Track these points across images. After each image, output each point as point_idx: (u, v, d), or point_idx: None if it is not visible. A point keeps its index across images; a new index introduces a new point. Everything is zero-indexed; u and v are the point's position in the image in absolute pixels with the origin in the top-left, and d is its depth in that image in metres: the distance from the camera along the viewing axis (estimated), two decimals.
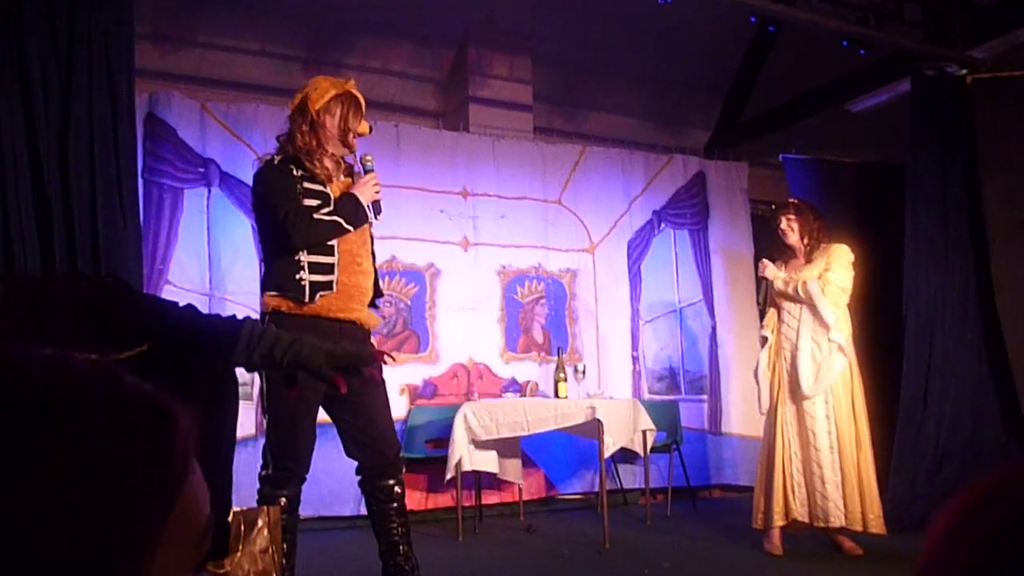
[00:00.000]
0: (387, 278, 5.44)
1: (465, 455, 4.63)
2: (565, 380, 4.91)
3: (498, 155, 5.96)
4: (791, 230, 4.21)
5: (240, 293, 5.02)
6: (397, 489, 3.00)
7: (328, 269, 2.88)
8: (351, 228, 2.91)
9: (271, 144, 5.17)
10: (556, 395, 4.89)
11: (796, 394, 4.10)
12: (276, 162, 2.91)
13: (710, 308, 6.47)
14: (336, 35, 5.87)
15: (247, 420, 4.93)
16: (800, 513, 4.04)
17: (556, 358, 5.11)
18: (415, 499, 5.25)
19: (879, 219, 5.66)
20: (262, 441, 4.78)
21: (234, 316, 2.37)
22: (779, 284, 4.19)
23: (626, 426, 4.68)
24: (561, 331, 6.04)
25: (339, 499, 5.06)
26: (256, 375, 2.98)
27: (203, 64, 5.58)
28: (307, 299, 2.82)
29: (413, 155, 5.60)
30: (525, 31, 6.20)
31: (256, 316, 4.92)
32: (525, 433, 4.69)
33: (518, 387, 5.74)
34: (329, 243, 2.88)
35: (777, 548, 4.06)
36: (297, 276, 2.82)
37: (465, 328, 5.63)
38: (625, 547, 4.36)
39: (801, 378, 4.05)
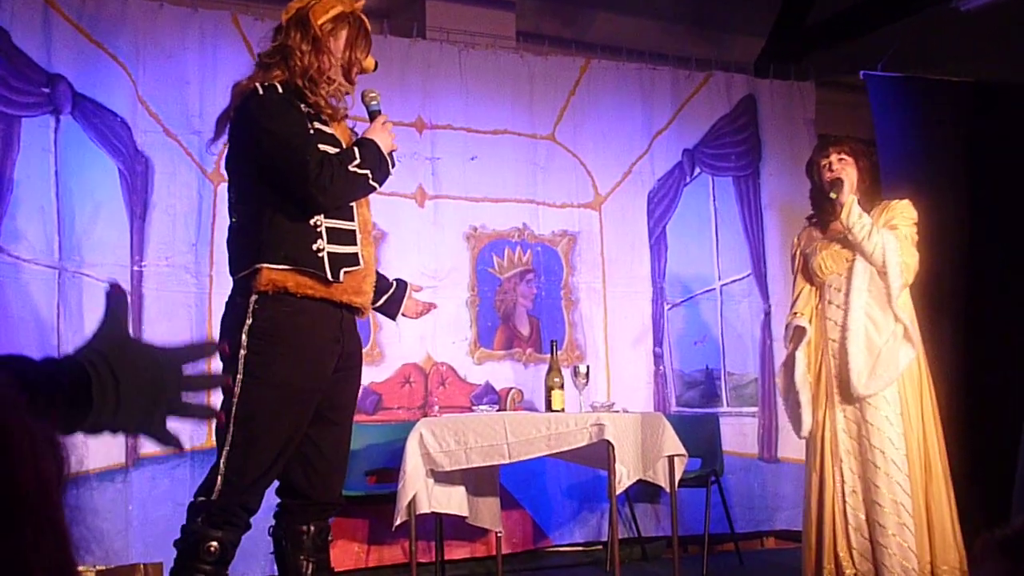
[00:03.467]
0: None
1: (422, 492, 4.63)
2: (561, 387, 4.90)
3: (467, 71, 5.92)
4: (842, 171, 4.18)
5: (103, 265, 4.97)
6: (330, 538, 3.17)
7: (350, 238, 3.07)
8: (377, 185, 3.09)
9: (146, 55, 5.25)
10: (549, 408, 4.88)
11: (847, 397, 4.11)
12: (280, 88, 3.01)
13: (762, 286, 6.48)
14: None
15: (114, 444, 4.89)
16: (859, 570, 4.06)
17: (549, 356, 5.10)
18: (350, 553, 5.23)
19: (999, 159, 5.66)
20: (133, 473, 4.86)
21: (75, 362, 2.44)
22: (853, 213, 4.06)
23: (646, 451, 4.68)
24: (555, 319, 6.03)
25: (246, 554, 5.04)
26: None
27: None
28: (330, 276, 2.97)
29: None
30: None
31: (127, 293, 4.92)
32: (505, 461, 4.68)
33: (495, 397, 5.73)
34: (351, 205, 3.07)
35: None
36: (314, 246, 2.97)
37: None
38: None
39: (851, 369, 4.05)
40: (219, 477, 2.94)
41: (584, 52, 6.38)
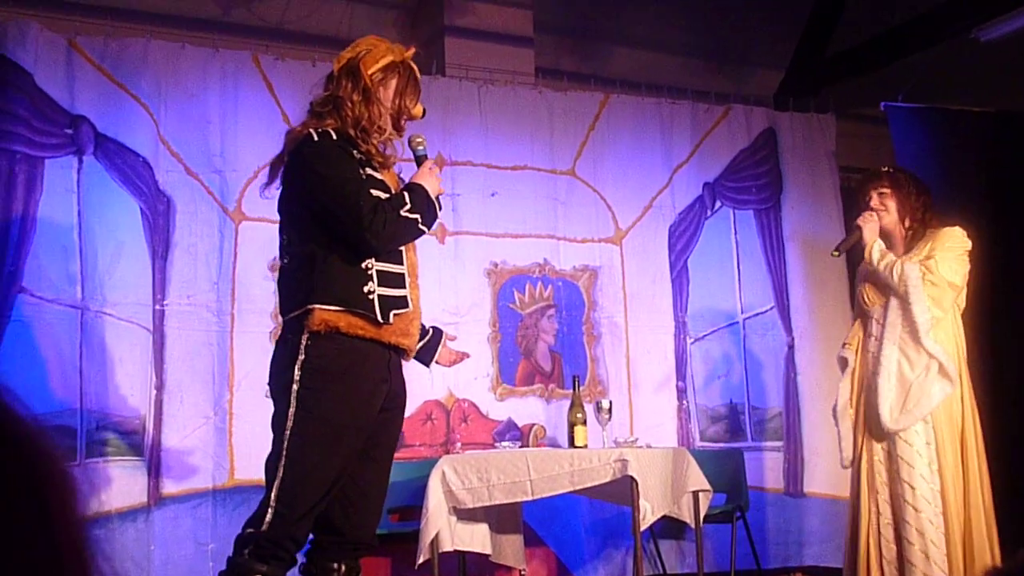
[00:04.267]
0: None
1: (445, 530, 4.61)
2: (584, 423, 4.88)
3: (486, 108, 5.95)
4: (884, 208, 4.21)
5: (126, 304, 4.99)
6: None
7: (399, 281, 3.16)
8: (426, 229, 3.18)
9: (168, 95, 5.29)
10: (572, 444, 4.86)
11: (879, 433, 4.10)
12: (334, 135, 3.09)
13: (785, 320, 6.44)
14: None
15: (136, 483, 4.90)
16: None
17: (571, 392, 5.08)
18: None
19: (1020, 190, 5.64)
20: (155, 512, 4.85)
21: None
22: (874, 253, 4.17)
23: (670, 486, 4.65)
24: (577, 354, 6.01)
25: None
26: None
27: None
28: (380, 318, 3.05)
29: None
30: None
31: (149, 334, 4.94)
32: (528, 498, 4.66)
33: (517, 433, 5.71)
34: (400, 248, 3.17)
35: None
36: (365, 288, 3.04)
37: None
38: None
39: (881, 404, 4.04)
40: (269, 509, 2.98)
41: (603, 87, 6.40)
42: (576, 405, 4.93)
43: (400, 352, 3.22)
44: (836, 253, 4.44)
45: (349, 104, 3.11)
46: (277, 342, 3.19)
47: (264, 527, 2.97)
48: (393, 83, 3.18)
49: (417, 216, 3.10)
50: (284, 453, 3.00)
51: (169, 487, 4.99)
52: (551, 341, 5.98)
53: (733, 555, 5.59)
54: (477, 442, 5.57)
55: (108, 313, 4.96)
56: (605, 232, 6.17)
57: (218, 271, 5.25)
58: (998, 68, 6.24)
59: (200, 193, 5.25)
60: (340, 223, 3.03)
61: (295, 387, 2.99)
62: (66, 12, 5.40)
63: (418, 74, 3.27)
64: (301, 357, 3.00)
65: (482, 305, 5.82)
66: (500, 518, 5.00)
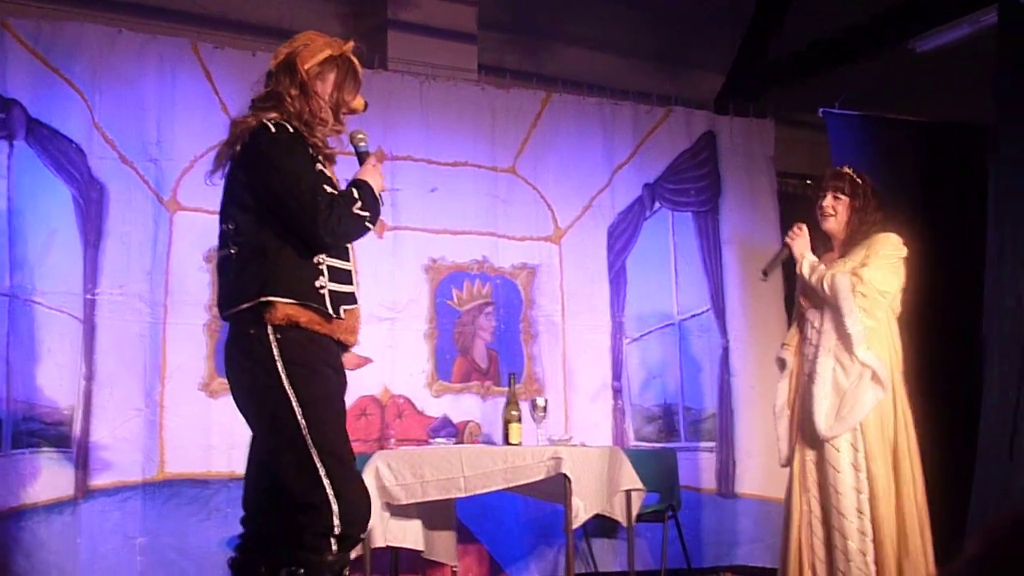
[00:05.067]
0: None
1: (378, 525, 4.60)
2: (519, 420, 4.89)
3: (427, 103, 5.92)
4: (833, 212, 4.24)
5: (55, 293, 4.92)
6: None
7: (347, 277, 3.14)
8: (371, 227, 3.17)
9: (103, 81, 5.21)
10: (506, 441, 4.87)
11: (813, 438, 4.15)
12: (291, 128, 3.07)
13: (721, 322, 6.50)
14: None
15: (63, 475, 4.82)
16: None
17: (507, 389, 5.09)
18: None
19: (952, 199, 5.74)
20: (83, 505, 4.77)
21: None
22: (804, 267, 4.23)
23: (603, 485, 4.67)
24: (514, 352, 6.02)
25: None
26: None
27: None
28: (333, 312, 3.03)
29: None
30: None
31: (79, 323, 4.86)
32: (462, 495, 4.67)
33: (453, 430, 5.70)
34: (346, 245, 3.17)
35: None
36: (317, 283, 3.03)
37: (378, 346, 5.57)
38: None
39: (816, 412, 4.09)
40: (332, 504, 2.90)
41: (545, 86, 6.41)
42: (512, 403, 4.93)
43: (343, 349, 3.20)
44: (764, 277, 4.49)
45: (288, 99, 3.08)
46: (234, 337, 3.08)
47: (336, 526, 2.90)
48: (331, 77, 3.15)
49: (367, 214, 3.10)
50: (310, 444, 2.92)
51: (97, 480, 4.92)
52: (488, 339, 5.98)
53: (664, 554, 5.64)
54: (412, 438, 5.55)
55: (37, 302, 4.88)
56: (544, 231, 6.18)
57: (152, 261, 5.17)
58: (933, 78, 6.35)
59: (135, 181, 5.18)
60: (295, 217, 3.00)
61: (285, 381, 2.94)
62: None
63: (358, 68, 3.25)
64: (276, 351, 2.95)
65: (419, 301, 5.80)
66: (433, 514, 5.00)
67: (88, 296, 5.01)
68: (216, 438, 5.13)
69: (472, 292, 5.96)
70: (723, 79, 6.96)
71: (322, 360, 3.05)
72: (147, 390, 5.09)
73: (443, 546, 5.12)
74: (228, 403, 4.97)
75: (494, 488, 4.62)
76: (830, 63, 6.42)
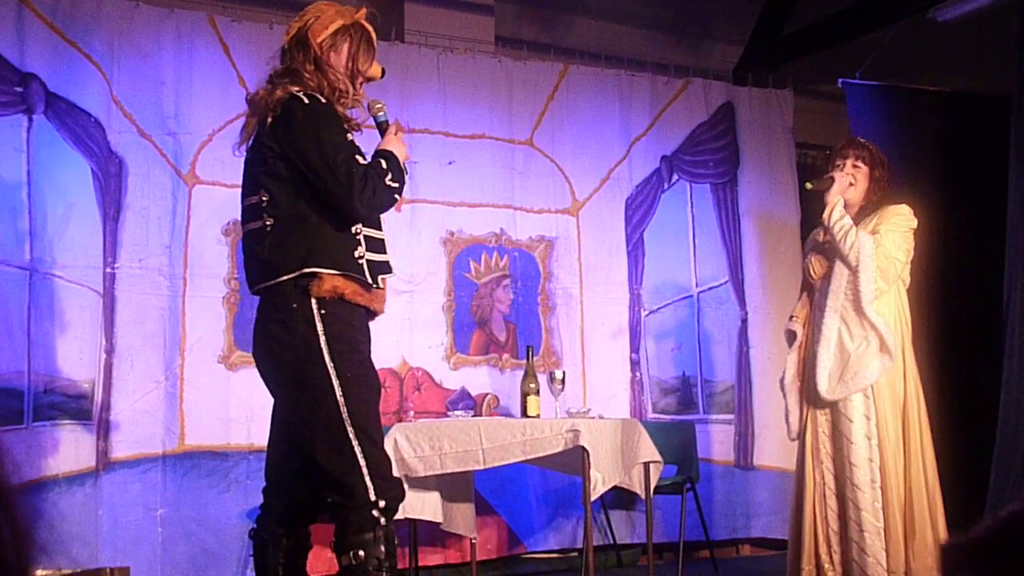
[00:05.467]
0: None
1: None
2: (537, 393, 4.90)
3: (445, 76, 5.91)
4: (854, 179, 4.22)
5: (75, 267, 4.94)
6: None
7: (382, 247, 3.16)
8: (399, 197, 3.16)
9: (121, 55, 5.21)
10: (524, 414, 4.88)
11: (822, 406, 4.15)
12: (321, 98, 3.06)
13: (739, 294, 6.49)
14: None
15: (84, 447, 4.86)
16: (838, 572, 4.09)
17: (525, 362, 5.10)
18: (323, 561, 5.19)
19: (974, 169, 5.71)
20: (104, 477, 4.81)
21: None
22: (834, 213, 4.14)
23: (621, 457, 4.68)
24: (532, 324, 6.02)
25: (217, 560, 5.02)
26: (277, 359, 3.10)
27: None
28: (372, 282, 3.06)
29: None
30: None
31: (99, 297, 4.88)
32: (480, 467, 4.67)
33: (471, 402, 5.72)
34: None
35: None
36: (356, 253, 3.05)
37: (396, 319, 5.57)
38: None
39: (818, 372, 4.09)
40: (367, 481, 2.93)
41: (563, 58, 6.39)
42: (529, 375, 4.94)
43: (371, 317, 3.19)
44: (809, 185, 4.40)
45: (305, 75, 3.07)
46: (268, 312, 3.04)
47: (374, 496, 2.92)
48: (345, 47, 3.13)
49: (396, 184, 3.09)
50: (347, 423, 2.93)
51: (118, 452, 4.95)
52: (506, 311, 5.99)
53: (683, 526, 5.64)
54: (430, 411, 5.57)
55: (57, 275, 4.90)
56: (562, 203, 6.17)
57: (171, 235, 5.19)
58: (954, 48, 6.29)
59: (153, 155, 5.18)
60: (331, 189, 2.98)
61: (327, 357, 2.93)
62: None
63: (373, 35, 3.22)
64: (320, 326, 2.94)
65: (437, 274, 5.81)
66: (452, 487, 5.01)
67: (108, 270, 5.04)
68: (235, 410, 5.16)
69: (490, 265, 5.96)
70: (741, 50, 6.92)
71: (361, 336, 3.06)
72: (167, 363, 5.12)
73: (462, 518, 5.14)
74: (247, 376, 5.05)
75: (512, 460, 4.63)
76: (850, 33, 6.37)
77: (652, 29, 6.93)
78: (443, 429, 4.70)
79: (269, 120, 3.04)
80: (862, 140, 4.38)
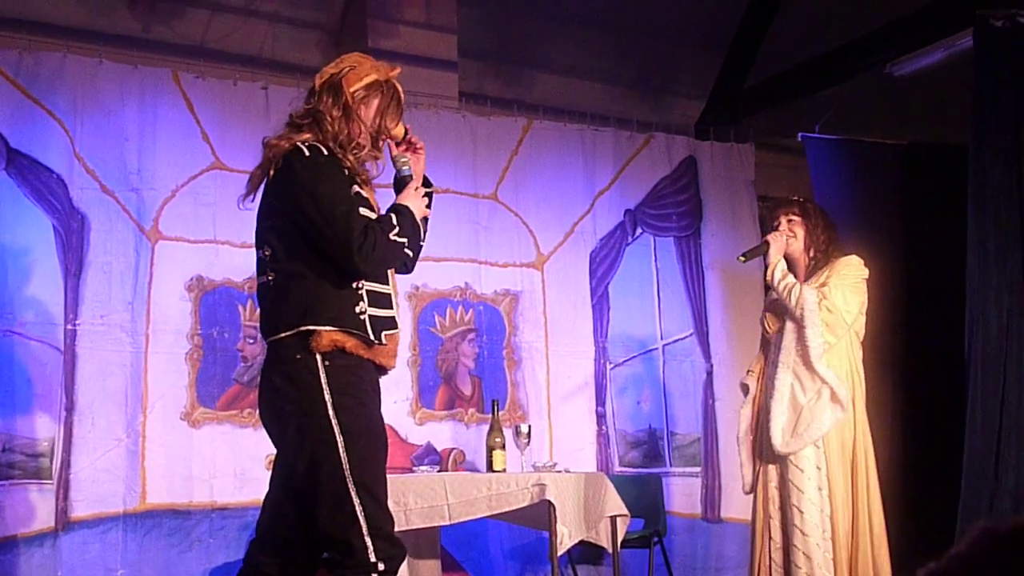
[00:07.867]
0: (250, 302, 5.35)
1: None
2: (503, 447, 4.89)
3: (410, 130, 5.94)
4: (792, 235, 4.30)
5: (36, 324, 4.91)
6: None
7: (387, 301, 3.10)
8: (411, 254, 3.16)
9: (84, 111, 5.21)
10: (490, 468, 4.86)
11: (773, 458, 4.18)
12: (326, 151, 3.03)
13: (704, 346, 6.51)
14: None
15: (43, 507, 4.79)
16: None
17: (490, 416, 5.08)
18: None
19: (933, 218, 5.78)
20: (63, 537, 4.73)
21: None
22: (775, 272, 4.24)
23: (588, 511, 4.67)
24: (497, 378, 6.02)
25: None
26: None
27: None
28: (374, 338, 3.00)
29: None
30: None
31: (59, 354, 4.83)
32: (446, 523, 4.64)
33: (436, 457, 5.68)
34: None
35: None
36: (357, 309, 2.99)
37: None
38: None
39: (772, 427, 4.12)
40: (367, 541, 2.87)
41: (526, 113, 6.43)
42: (495, 429, 4.92)
43: (382, 373, 3.14)
44: (742, 259, 4.51)
45: (329, 119, 3.05)
46: (274, 364, 3.01)
47: (373, 558, 2.86)
48: (375, 102, 3.12)
49: (405, 240, 3.05)
50: (349, 480, 2.88)
51: (78, 511, 4.89)
52: (471, 365, 5.98)
53: None
54: (395, 466, 5.52)
55: (17, 332, 4.86)
56: (527, 257, 6.19)
57: (133, 291, 5.16)
58: (911, 102, 6.40)
59: (116, 211, 5.17)
60: (329, 243, 2.95)
61: (331, 411, 2.88)
62: None
63: (402, 94, 3.22)
64: (323, 378, 2.90)
65: (402, 329, 5.75)
66: (417, 543, 4.96)
67: (69, 326, 5.00)
68: (198, 468, 5.10)
69: (455, 319, 5.96)
70: (703, 105, 7.01)
71: (368, 389, 3.01)
72: (129, 420, 5.06)
73: (428, 574, 5.09)
74: (210, 433, 5.01)
75: (478, 515, 4.60)
76: (809, 88, 6.47)
77: (614, 85, 7.02)
78: (408, 485, 4.67)
79: (271, 173, 3.04)
80: (791, 197, 4.49)
